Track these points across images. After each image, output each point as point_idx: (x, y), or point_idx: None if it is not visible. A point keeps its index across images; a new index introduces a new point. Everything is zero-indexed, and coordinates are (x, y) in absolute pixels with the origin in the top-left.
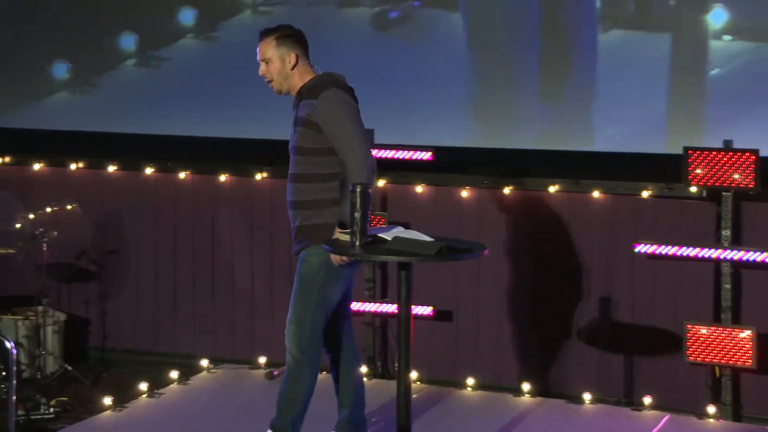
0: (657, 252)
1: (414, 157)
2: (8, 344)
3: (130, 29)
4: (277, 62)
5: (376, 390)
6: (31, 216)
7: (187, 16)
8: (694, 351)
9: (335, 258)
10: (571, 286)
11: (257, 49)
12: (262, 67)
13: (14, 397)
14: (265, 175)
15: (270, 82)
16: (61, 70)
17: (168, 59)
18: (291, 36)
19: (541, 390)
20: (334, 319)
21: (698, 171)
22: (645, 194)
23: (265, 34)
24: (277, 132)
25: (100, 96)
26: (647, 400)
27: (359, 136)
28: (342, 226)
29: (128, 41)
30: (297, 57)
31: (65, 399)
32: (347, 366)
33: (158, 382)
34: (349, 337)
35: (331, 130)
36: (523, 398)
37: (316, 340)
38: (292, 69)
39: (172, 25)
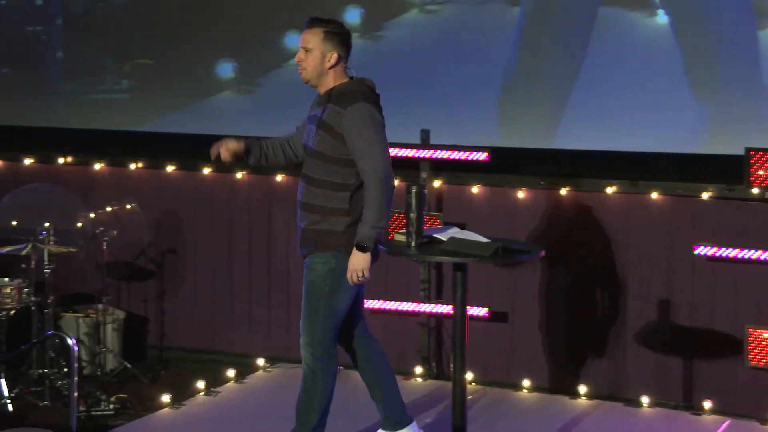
0: (717, 254)
1: (470, 158)
2: (70, 341)
3: (296, 28)
4: (317, 55)
5: (431, 391)
6: (92, 215)
7: (354, 15)
8: (755, 355)
9: (351, 277)
10: (629, 288)
11: (301, 35)
12: (301, 53)
13: (75, 393)
14: None
15: (302, 69)
16: (226, 70)
17: None
18: (340, 35)
19: (598, 392)
20: (347, 322)
21: (760, 172)
22: (705, 196)
23: (314, 22)
24: None
25: (261, 96)
26: (707, 404)
27: (382, 156)
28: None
29: (293, 40)
30: (338, 58)
31: (124, 396)
32: (366, 365)
33: (215, 381)
34: (365, 336)
35: (354, 145)
36: (579, 401)
37: (329, 347)
38: (330, 68)
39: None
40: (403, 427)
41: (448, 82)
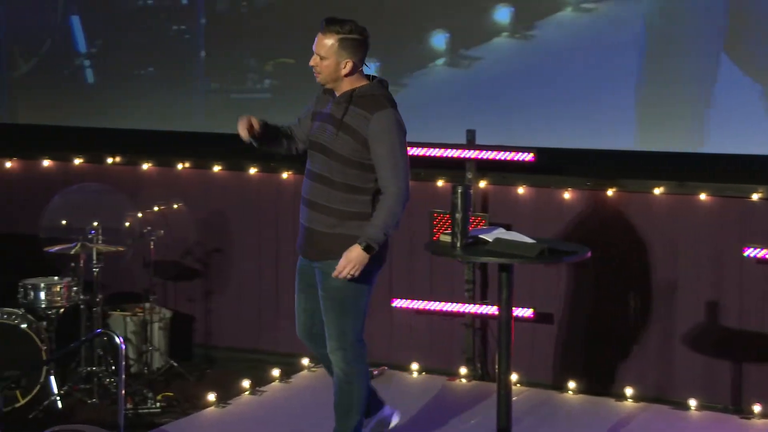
0: (767, 257)
1: (515, 158)
2: (118, 340)
3: (443, 28)
4: (332, 63)
5: (476, 392)
6: (140, 215)
7: (503, 14)
8: None
9: (343, 270)
10: (676, 289)
11: (317, 37)
12: (315, 59)
13: (123, 391)
14: None
15: (317, 74)
16: (367, 70)
17: (479, 58)
18: (355, 41)
19: (645, 395)
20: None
21: None
22: (755, 197)
23: (330, 26)
24: None
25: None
26: (757, 408)
27: (404, 165)
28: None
29: (439, 40)
30: (354, 66)
31: (171, 394)
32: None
33: (260, 380)
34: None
35: (378, 151)
36: (626, 403)
37: (360, 348)
38: (345, 76)
39: (486, 23)
40: (372, 414)
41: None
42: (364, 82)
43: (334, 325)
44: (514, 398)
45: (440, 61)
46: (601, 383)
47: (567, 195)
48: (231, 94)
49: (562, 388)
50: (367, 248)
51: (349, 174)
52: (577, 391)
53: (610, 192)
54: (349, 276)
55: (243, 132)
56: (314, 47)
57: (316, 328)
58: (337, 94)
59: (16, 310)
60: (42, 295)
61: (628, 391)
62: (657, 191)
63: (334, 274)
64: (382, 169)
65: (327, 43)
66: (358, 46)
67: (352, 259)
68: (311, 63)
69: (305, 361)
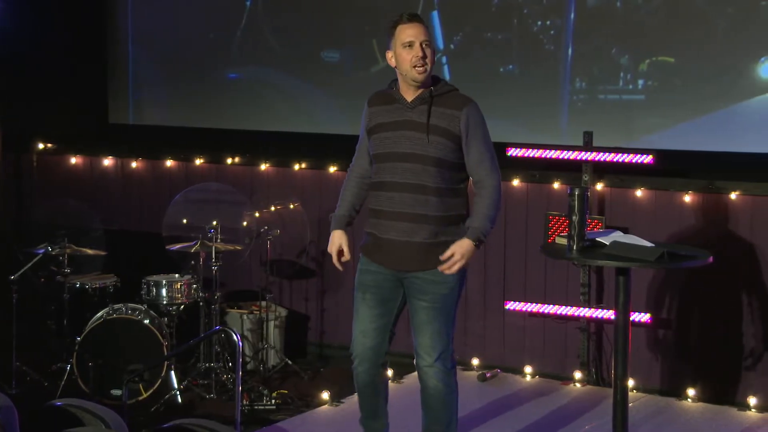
0: None
1: (634, 161)
2: (235, 337)
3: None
4: (432, 53)
5: (591, 397)
6: (257, 214)
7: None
8: None
9: (456, 265)
10: None
11: (416, 28)
12: (428, 50)
13: (240, 388)
14: None
15: (423, 69)
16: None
17: None
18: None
19: None
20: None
21: None
22: None
23: (417, 17)
24: None
25: None
26: None
27: (495, 156)
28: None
29: None
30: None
31: (285, 392)
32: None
33: None
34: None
35: (475, 146)
36: (749, 413)
37: (454, 357)
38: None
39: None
40: None
41: None
42: (431, 81)
43: (438, 336)
44: (630, 404)
45: None
46: (722, 391)
47: (688, 198)
48: (599, 95)
49: (681, 396)
50: (477, 241)
51: (444, 177)
52: (696, 399)
53: (733, 195)
54: (458, 271)
55: (337, 264)
56: (416, 37)
57: (383, 347)
58: (410, 96)
59: (139, 306)
60: (164, 291)
61: (752, 400)
62: None
63: (446, 270)
64: (480, 163)
65: (425, 30)
66: None
67: (464, 254)
68: (421, 54)
69: None
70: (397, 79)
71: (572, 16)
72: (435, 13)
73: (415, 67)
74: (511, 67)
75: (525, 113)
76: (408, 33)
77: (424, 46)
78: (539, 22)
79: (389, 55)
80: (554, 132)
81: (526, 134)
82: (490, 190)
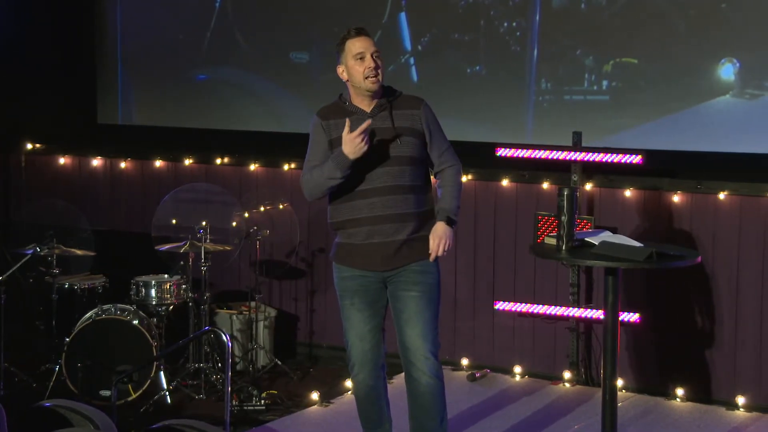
0: None
1: (623, 161)
2: (225, 337)
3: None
4: (382, 61)
5: (580, 396)
6: (246, 215)
7: None
8: None
9: (440, 247)
10: None
11: (365, 40)
12: (378, 60)
13: (229, 388)
14: (469, 177)
15: (376, 79)
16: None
17: None
18: None
19: (759, 405)
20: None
21: None
22: None
23: (366, 32)
24: None
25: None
26: None
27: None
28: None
29: None
30: None
31: (275, 392)
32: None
33: None
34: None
35: (437, 138)
36: (737, 412)
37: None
38: None
39: None
40: None
41: None
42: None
43: (429, 325)
44: (619, 404)
45: None
46: (710, 391)
47: (676, 198)
48: (564, 96)
49: (669, 395)
50: (449, 221)
51: (419, 174)
52: (685, 399)
53: (722, 195)
54: (444, 253)
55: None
56: (366, 48)
57: (381, 348)
58: (367, 106)
59: (128, 307)
60: (153, 292)
61: (740, 400)
62: None
63: (438, 252)
64: (444, 152)
65: (375, 44)
66: None
67: (442, 236)
68: (373, 65)
69: None
70: (343, 93)
71: (537, 17)
72: (402, 15)
73: (368, 78)
74: (478, 67)
75: (491, 114)
76: (358, 46)
77: (375, 56)
78: (505, 23)
79: (340, 69)
80: (520, 132)
81: (493, 134)
82: (454, 172)
